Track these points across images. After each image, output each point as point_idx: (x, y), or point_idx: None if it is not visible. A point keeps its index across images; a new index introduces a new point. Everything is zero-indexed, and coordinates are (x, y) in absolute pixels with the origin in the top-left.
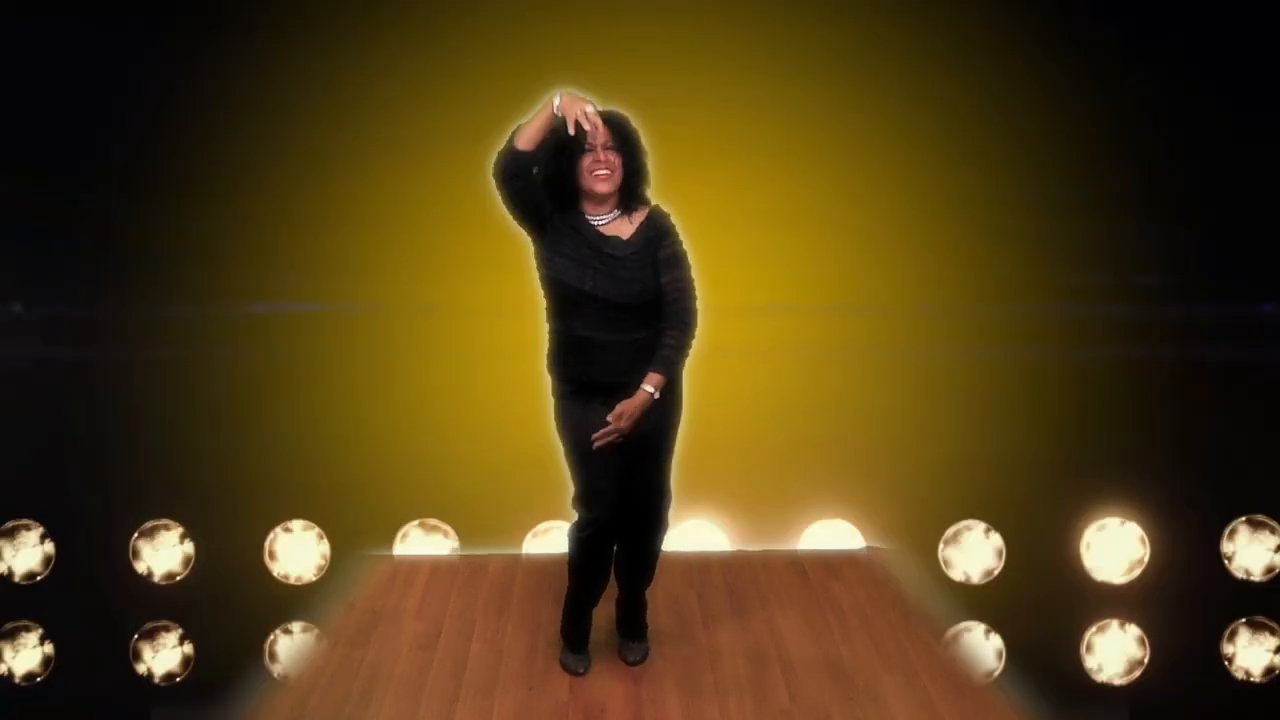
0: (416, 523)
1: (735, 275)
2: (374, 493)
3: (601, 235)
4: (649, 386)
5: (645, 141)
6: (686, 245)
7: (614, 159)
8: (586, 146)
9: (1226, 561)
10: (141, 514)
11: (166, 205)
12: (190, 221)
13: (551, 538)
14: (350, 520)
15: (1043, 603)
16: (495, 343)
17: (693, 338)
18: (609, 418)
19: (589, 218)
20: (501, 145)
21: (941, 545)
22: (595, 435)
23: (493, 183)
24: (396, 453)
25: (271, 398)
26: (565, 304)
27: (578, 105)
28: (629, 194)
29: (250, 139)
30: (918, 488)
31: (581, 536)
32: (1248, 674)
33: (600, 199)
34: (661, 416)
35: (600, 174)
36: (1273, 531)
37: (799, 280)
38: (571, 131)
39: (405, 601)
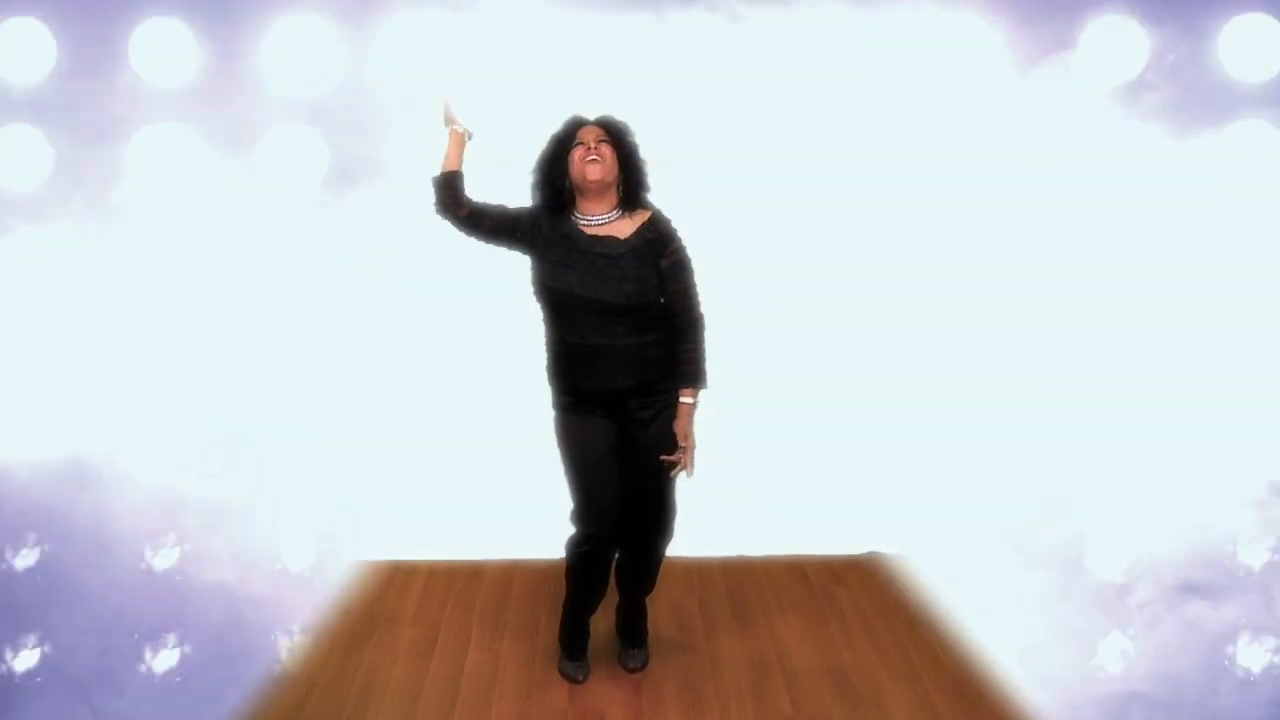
0: None
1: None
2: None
3: (593, 237)
4: (688, 399)
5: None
6: (689, 251)
7: (606, 151)
8: (579, 142)
9: None
10: None
11: None
12: None
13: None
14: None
15: None
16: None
17: (704, 341)
18: (680, 442)
19: (584, 218)
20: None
21: None
22: (667, 459)
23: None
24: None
25: None
26: (558, 311)
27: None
28: (629, 194)
29: None
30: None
31: (579, 552)
32: None
33: (597, 195)
34: (667, 427)
35: (591, 160)
36: None
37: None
38: (456, 125)
39: (402, 607)
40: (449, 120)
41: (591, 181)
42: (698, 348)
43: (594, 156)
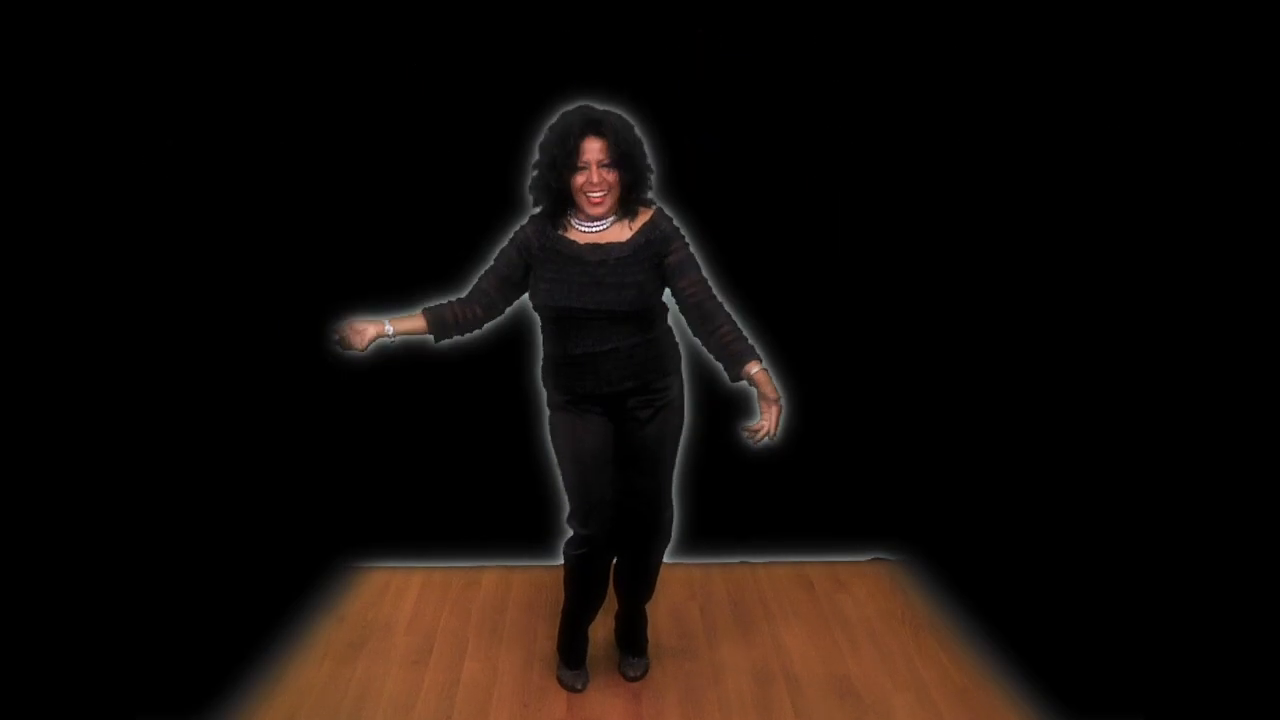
0: None
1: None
2: None
3: (589, 245)
4: (756, 368)
5: (646, 146)
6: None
7: (610, 176)
8: (580, 165)
9: None
10: None
11: None
12: None
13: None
14: None
15: None
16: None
17: (734, 317)
18: (774, 396)
19: (581, 225)
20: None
21: None
22: (750, 428)
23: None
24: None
25: None
26: (560, 324)
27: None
28: (630, 204)
29: None
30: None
31: (576, 554)
32: None
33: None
34: (665, 426)
35: (594, 197)
36: None
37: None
38: (385, 330)
39: (396, 615)
40: (379, 334)
41: (594, 216)
42: (735, 325)
43: (597, 194)
